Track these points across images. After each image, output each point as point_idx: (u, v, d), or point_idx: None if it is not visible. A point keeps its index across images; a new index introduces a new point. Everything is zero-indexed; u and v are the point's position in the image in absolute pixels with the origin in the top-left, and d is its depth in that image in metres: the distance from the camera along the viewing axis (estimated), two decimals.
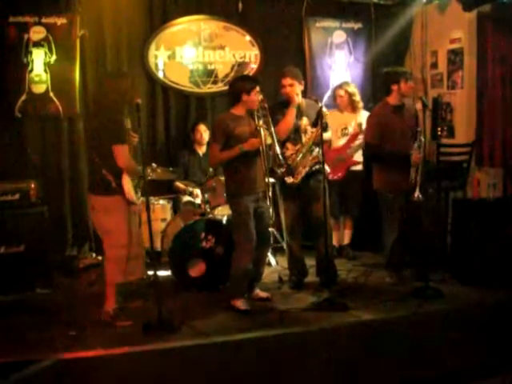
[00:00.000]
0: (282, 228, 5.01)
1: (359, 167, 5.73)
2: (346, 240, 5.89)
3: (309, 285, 4.81)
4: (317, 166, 4.66)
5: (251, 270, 4.30)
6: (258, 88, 4.31)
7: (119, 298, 4.11)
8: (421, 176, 4.50)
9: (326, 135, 5.03)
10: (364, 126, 5.31)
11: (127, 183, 3.93)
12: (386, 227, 4.80)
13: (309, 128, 4.66)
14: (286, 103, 4.70)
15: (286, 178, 4.64)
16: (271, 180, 4.92)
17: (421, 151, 4.51)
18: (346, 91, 5.65)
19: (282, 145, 4.66)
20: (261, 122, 4.25)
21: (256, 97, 4.28)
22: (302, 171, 4.64)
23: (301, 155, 4.63)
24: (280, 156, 4.26)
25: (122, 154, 3.91)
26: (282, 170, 4.45)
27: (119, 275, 3.98)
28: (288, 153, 4.66)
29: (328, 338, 3.78)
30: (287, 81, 4.68)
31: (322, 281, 4.78)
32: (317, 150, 4.61)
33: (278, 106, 4.76)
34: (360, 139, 5.47)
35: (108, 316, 3.97)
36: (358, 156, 5.66)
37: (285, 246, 5.59)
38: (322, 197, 4.42)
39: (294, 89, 4.66)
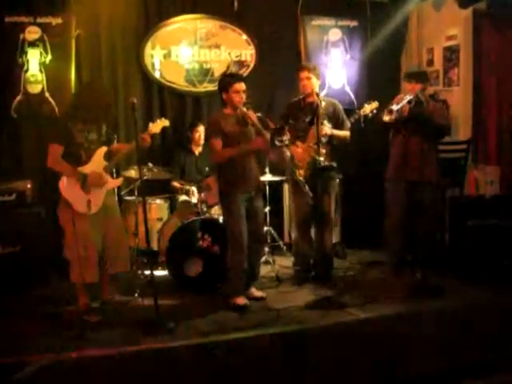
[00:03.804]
0: (279, 226, 5.00)
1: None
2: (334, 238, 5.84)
3: (310, 282, 4.82)
4: (326, 163, 4.65)
5: (246, 267, 4.27)
6: (237, 86, 4.18)
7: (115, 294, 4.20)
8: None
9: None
10: None
11: (64, 183, 3.99)
12: None
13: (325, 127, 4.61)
14: (300, 104, 4.73)
15: (296, 175, 4.63)
16: (280, 178, 4.92)
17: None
18: None
19: (293, 142, 4.67)
20: (244, 109, 4.16)
21: (237, 96, 4.17)
22: (305, 165, 4.62)
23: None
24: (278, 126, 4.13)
25: (51, 153, 4.00)
26: (285, 137, 4.12)
27: (75, 275, 3.99)
28: (298, 150, 4.65)
29: (326, 337, 3.78)
30: (304, 73, 4.66)
31: (317, 274, 4.79)
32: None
33: (292, 106, 4.80)
34: None
35: (76, 313, 4.01)
36: None
37: (281, 244, 5.67)
38: (331, 192, 4.51)
39: (312, 82, 4.64)
